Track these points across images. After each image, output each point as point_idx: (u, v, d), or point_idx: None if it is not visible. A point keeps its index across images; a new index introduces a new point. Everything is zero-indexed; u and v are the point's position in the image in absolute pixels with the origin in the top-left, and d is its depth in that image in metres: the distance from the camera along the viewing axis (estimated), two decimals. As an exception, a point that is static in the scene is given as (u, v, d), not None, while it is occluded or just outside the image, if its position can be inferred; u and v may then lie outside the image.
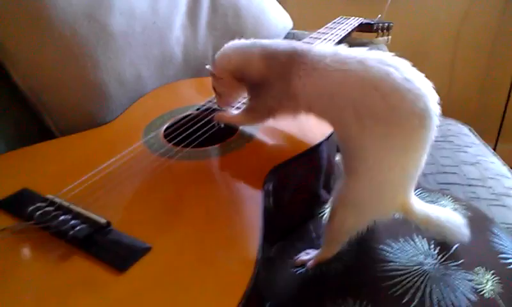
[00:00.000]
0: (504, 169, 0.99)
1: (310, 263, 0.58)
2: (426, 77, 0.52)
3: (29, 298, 0.42)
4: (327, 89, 0.54)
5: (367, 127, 0.51)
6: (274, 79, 0.58)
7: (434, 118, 0.51)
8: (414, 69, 0.52)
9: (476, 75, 1.78)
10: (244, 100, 0.68)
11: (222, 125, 0.69)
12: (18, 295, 0.42)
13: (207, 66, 0.63)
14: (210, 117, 0.71)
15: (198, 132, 0.68)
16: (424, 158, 0.53)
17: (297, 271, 0.60)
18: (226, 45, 0.64)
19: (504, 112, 1.75)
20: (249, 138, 0.66)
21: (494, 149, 1.74)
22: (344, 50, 0.55)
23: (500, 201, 0.85)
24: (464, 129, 1.16)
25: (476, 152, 1.03)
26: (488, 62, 1.75)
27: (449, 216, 0.59)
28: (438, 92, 0.51)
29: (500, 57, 1.73)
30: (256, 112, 0.62)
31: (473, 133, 1.15)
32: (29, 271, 0.44)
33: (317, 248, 0.62)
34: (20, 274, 0.44)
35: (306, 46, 0.58)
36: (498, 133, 1.78)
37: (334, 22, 1.06)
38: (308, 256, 0.60)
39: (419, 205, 0.59)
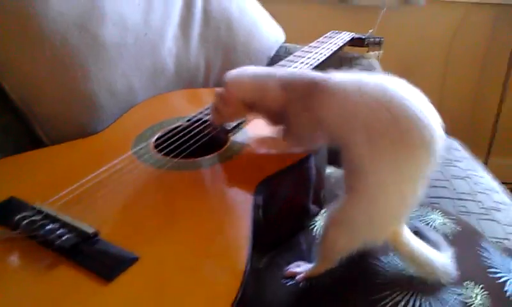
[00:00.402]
0: (494, 183, 1.00)
1: (299, 276, 0.58)
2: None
3: (15, 306, 0.41)
4: (344, 110, 0.54)
5: (377, 148, 0.51)
6: (294, 108, 0.58)
7: (438, 151, 0.52)
8: (426, 99, 0.53)
9: (467, 90, 1.80)
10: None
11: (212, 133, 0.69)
12: (5, 303, 0.41)
13: (217, 90, 0.63)
14: (200, 128, 0.71)
15: (188, 143, 0.68)
16: (422, 189, 0.53)
17: (286, 283, 0.59)
18: (240, 71, 0.64)
19: (495, 126, 1.77)
20: (239, 149, 0.66)
21: (485, 164, 1.76)
22: (363, 75, 0.56)
23: (490, 215, 0.85)
24: (455, 144, 1.17)
25: (466, 166, 1.04)
26: (479, 77, 1.78)
27: (434, 256, 0.58)
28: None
29: (490, 72, 1.75)
30: (295, 140, 0.62)
31: (464, 148, 1.16)
32: (15, 279, 0.44)
33: (307, 260, 0.62)
34: (6, 283, 0.44)
35: (325, 74, 0.58)
36: (489, 148, 1.80)
37: (325, 36, 1.07)
38: (298, 268, 0.59)
39: (408, 237, 0.58)
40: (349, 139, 0.53)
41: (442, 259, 0.58)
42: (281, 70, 0.63)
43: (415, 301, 0.56)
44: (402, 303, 0.55)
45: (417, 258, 0.58)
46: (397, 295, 0.56)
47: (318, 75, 0.59)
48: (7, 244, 0.47)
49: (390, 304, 0.55)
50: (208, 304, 0.41)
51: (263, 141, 0.67)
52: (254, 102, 0.62)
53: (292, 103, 0.58)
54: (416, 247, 0.58)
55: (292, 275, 0.59)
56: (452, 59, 1.73)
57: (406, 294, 0.56)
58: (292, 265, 0.60)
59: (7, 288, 0.43)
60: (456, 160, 1.06)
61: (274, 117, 0.62)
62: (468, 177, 0.99)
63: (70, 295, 0.42)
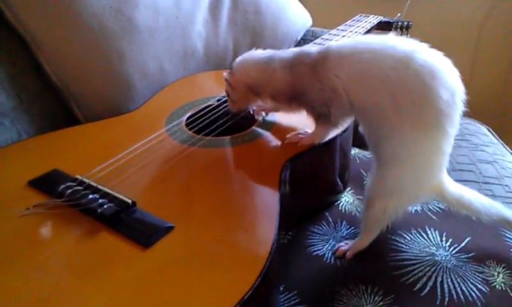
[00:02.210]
0: (522, 168, 0.99)
1: (348, 253, 0.60)
2: None
3: (60, 268, 0.44)
4: (360, 71, 0.54)
5: (403, 107, 0.52)
6: (304, 84, 0.59)
7: (462, 95, 0.53)
8: (439, 53, 0.54)
9: (497, 76, 1.76)
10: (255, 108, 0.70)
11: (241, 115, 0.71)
12: (51, 266, 0.44)
13: (224, 74, 0.65)
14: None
15: (218, 122, 0.70)
16: (451, 141, 0.55)
17: (312, 253, 0.62)
18: (244, 57, 0.65)
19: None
20: (268, 129, 0.68)
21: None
22: (362, 37, 0.57)
23: (516, 199, 0.85)
24: (483, 129, 1.16)
25: (494, 151, 1.03)
26: (509, 62, 1.73)
27: (481, 199, 0.60)
28: None
29: (522, 58, 1.71)
30: (318, 121, 0.61)
31: (492, 133, 1.15)
32: (59, 244, 0.47)
33: (333, 232, 0.64)
34: (52, 246, 0.47)
35: (318, 46, 0.59)
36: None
37: (353, 20, 1.07)
38: (346, 246, 0.61)
39: (452, 186, 0.60)
40: (374, 100, 0.54)
41: (490, 202, 0.60)
42: (281, 52, 0.63)
43: (437, 277, 0.57)
44: (424, 279, 0.57)
45: (466, 204, 0.60)
46: (419, 272, 0.58)
47: (310, 46, 0.61)
48: (52, 211, 0.50)
49: (412, 279, 0.57)
50: (239, 271, 0.43)
51: (293, 135, 0.65)
52: (259, 85, 0.62)
53: (302, 82, 0.59)
54: (464, 193, 0.60)
55: (343, 253, 0.60)
56: (482, 44, 1.69)
57: (428, 271, 0.58)
58: (340, 244, 0.62)
59: (53, 250, 0.46)
60: (483, 145, 1.06)
61: (283, 99, 0.62)
62: (495, 162, 0.98)
63: (110, 259, 0.45)
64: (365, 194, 0.60)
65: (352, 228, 0.67)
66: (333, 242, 0.64)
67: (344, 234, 0.66)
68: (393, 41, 0.53)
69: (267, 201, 0.53)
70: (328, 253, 0.62)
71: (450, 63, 0.53)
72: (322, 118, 0.59)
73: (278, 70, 0.60)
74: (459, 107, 0.53)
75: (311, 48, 0.61)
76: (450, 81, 0.52)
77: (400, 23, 1.15)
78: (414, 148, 0.53)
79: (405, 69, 0.51)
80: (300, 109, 0.62)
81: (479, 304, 0.54)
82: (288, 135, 0.64)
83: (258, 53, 0.64)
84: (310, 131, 0.63)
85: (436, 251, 0.61)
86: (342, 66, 0.56)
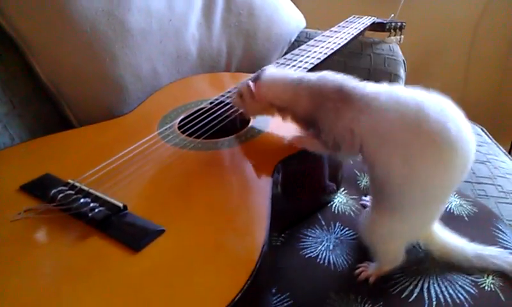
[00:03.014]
0: (515, 168, 1.00)
1: (371, 279, 0.58)
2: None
3: (51, 272, 0.45)
4: (381, 128, 0.53)
5: (413, 174, 0.51)
6: (322, 116, 0.57)
7: (471, 163, 0.53)
8: (465, 120, 0.52)
9: (492, 76, 1.77)
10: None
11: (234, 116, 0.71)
12: (41, 271, 0.45)
13: (250, 82, 0.63)
14: (222, 110, 0.74)
15: (211, 124, 0.71)
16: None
17: (305, 255, 0.62)
18: (274, 74, 0.63)
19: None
20: (260, 131, 0.68)
21: (510, 150, 1.73)
22: (400, 90, 0.54)
23: (509, 198, 0.86)
24: (477, 129, 1.17)
25: (487, 151, 1.04)
26: (505, 62, 1.74)
27: (465, 246, 0.60)
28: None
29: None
30: (320, 143, 0.60)
31: (486, 133, 1.16)
32: (50, 248, 0.48)
33: (325, 234, 0.65)
34: (43, 251, 0.47)
35: (355, 82, 0.57)
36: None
37: (346, 21, 1.08)
38: (368, 271, 0.59)
39: (438, 233, 0.60)
40: (382, 157, 0.53)
41: (472, 247, 0.60)
42: (311, 76, 0.60)
43: (423, 283, 0.57)
44: (411, 287, 0.57)
45: (449, 250, 0.60)
46: (406, 279, 0.58)
47: (347, 80, 0.57)
48: (43, 216, 0.50)
49: (400, 287, 0.57)
50: (229, 274, 0.43)
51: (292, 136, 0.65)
52: (283, 105, 0.62)
53: (324, 111, 0.57)
54: (447, 240, 0.60)
55: (366, 277, 0.59)
56: (477, 44, 1.70)
57: (415, 278, 0.58)
58: (362, 266, 0.60)
59: (43, 255, 0.47)
60: (477, 145, 1.06)
61: (302, 122, 0.62)
62: (488, 161, 0.99)
63: (101, 263, 0.45)
64: (364, 237, 0.59)
65: (346, 228, 0.67)
66: (326, 244, 0.64)
67: (338, 235, 0.66)
68: (428, 108, 0.51)
69: (259, 203, 0.53)
70: (322, 254, 0.62)
71: (472, 135, 0.52)
72: (323, 143, 0.59)
73: (304, 96, 0.59)
74: (467, 172, 0.53)
75: (341, 79, 0.58)
76: (467, 159, 0.52)
77: (393, 24, 1.16)
78: (416, 209, 0.54)
79: (429, 143, 0.50)
80: (303, 127, 0.62)
81: (467, 305, 0.54)
82: (288, 138, 0.65)
83: (286, 72, 0.64)
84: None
85: (425, 255, 0.62)
86: (365, 116, 0.54)
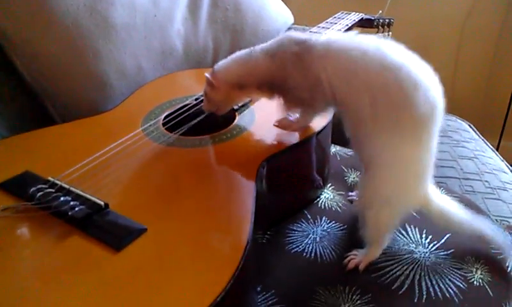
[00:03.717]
0: (502, 164, 1.00)
1: (361, 266, 0.58)
2: None
3: (29, 273, 0.43)
4: (346, 68, 0.54)
5: (381, 113, 0.52)
6: (287, 71, 0.58)
7: (442, 108, 0.53)
8: (427, 66, 0.53)
9: (481, 72, 1.78)
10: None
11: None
12: (20, 271, 0.44)
13: (206, 74, 0.64)
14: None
15: (195, 121, 0.70)
16: (435, 147, 0.55)
17: (291, 250, 0.61)
18: (224, 60, 0.64)
19: (508, 109, 1.75)
20: (245, 128, 0.67)
21: (498, 146, 1.75)
22: (359, 36, 0.56)
23: (496, 194, 0.86)
24: (464, 125, 1.17)
25: (474, 147, 1.04)
26: (493, 58, 1.75)
27: (465, 214, 0.60)
28: (441, 88, 0.53)
29: (504, 54, 1.72)
30: (300, 108, 0.62)
31: (473, 129, 1.16)
32: (29, 248, 0.46)
33: (311, 229, 0.65)
34: (21, 251, 0.46)
35: (311, 33, 0.59)
36: (502, 130, 1.78)
37: (334, 17, 1.07)
38: (357, 258, 0.59)
39: (437, 198, 0.60)
40: (352, 98, 0.54)
41: (470, 217, 0.60)
42: (262, 44, 0.62)
43: (414, 275, 0.57)
44: (402, 278, 0.57)
45: (448, 218, 0.59)
46: (397, 270, 0.58)
47: (304, 35, 0.59)
48: (22, 215, 0.49)
49: (390, 279, 0.57)
50: (211, 273, 0.43)
51: (274, 122, 0.66)
52: (242, 79, 0.62)
53: (284, 68, 0.58)
54: (446, 207, 0.60)
55: (355, 266, 0.58)
56: (466, 40, 1.71)
57: (406, 269, 0.58)
58: (351, 254, 0.60)
59: (22, 255, 0.45)
60: (464, 141, 1.07)
61: (266, 89, 0.62)
62: (475, 157, 0.99)
63: (81, 263, 0.44)
64: (358, 208, 0.60)
65: (333, 221, 0.67)
66: (313, 236, 0.64)
67: (324, 228, 0.66)
68: (387, 49, 0.53)
69: (242, 201, 0.52)
70: (308, 247, 0.62)
71: (436, 79, 0.53)
72: (306, 105, 0.60)
73: (260, 59, 0.60)
74: (438, 121, 0.53)
75: (297, 34, 0.60)
76: (432, 95, 0.52)
77: (381, 21, 1.15)
78: (392, 155, 0.53)
79: (390, 77, 0.51)
80: (283, 98, 0.62)
81: (456, 300, 0.54)
82: (276, 121, 0.65)
83: (237, 52, 0.64)
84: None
85: (416, 248, 0.61)
86: (329, 59, 0.55)
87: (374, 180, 0.55)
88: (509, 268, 0.60)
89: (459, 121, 1.19)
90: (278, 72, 0.59)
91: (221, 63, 0.64)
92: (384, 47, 0.53)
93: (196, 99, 0.75)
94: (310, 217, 0.67)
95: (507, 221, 0.77)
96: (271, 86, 0.61)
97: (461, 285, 0.56)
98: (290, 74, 0.58)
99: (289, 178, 0.66)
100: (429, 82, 0.52)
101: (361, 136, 0.55)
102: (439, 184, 0.80)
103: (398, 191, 0.55)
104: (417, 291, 0.55)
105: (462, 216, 0.59)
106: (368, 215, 0.56)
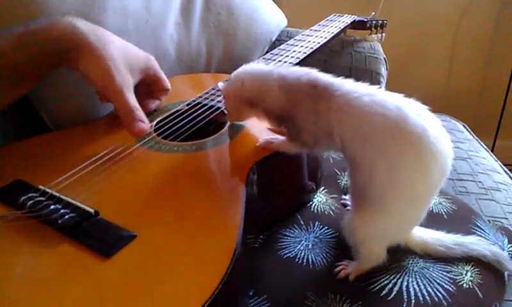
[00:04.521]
0: (496, 164, 1.00)
1: (351, 277, 0.58)
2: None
3: (20, 281, 0.44)
4: (363, 129, 0.52)
5: (395, 177, 0.52)
6: (298, 111, 0.56)
7: (449, 169, 0.53)
8: (440, 125, 0.53)
9: (475, 72, 1.79)
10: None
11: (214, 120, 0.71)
12: (11, 279, 0.44)
13: (219, 84, 0.63)
14: (199, 112, 0.73)
15: (187, 127, 0.70)
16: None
17: (283, 255, 0.61)
18: (242, 68, 0.62)
19: (503, 109, 1.76)
20: (236, 134, 0.67)
21: (493, 146, 1.75)
22: (382, 93, 0.54)
23: (489, 195, 0.86)
24: (458, 125, 1.18)
25: (468, 148, 1.05)
26: (487, 58, 1.76)
27: (443, 237, 0.61)
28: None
29: (499, 54, 1.73)
30: (297, 144, 0.59)
31: (467, 130, 1.16)
32: (20, 256, 0.47)
33: (304, 234, 0.65)
34: (13, 259, 0.46)
35: (331, 78, 0.56)
36: (497, 130, 1.79)
37: (327, 20, 1.08)
38: (348, 268, 0.59)
39: (417, 232, 0.61)
40: (365, 159, 0.53)
41: (450, 237, 0.61)
42: (282, 68, 0.59)
43: (402, 282, 0.57)
44: (390, 285, 0.57)
45: (429, 244, 0.61)
46: (386, 278, 0.58)
47: (325, 78, 0.56)
48: (13, 223, 0.49)
49: (378, 286, 0.57)
50: (200, 279, 0.43)
51: (264, 139, 0.64)
52: (253, 98, 0.60)
53: (297, 107, 0.56)
54: (425, 235, 0.61)
55: (346, 275, 0.58)
56: (460, 41, 1.71)
57: (394, 277, 0.58)
58: (341, 264, 0.60)
59: (13, 263, 0.46)
60: (458, 142, 1.07)
61: (275, 119, 0.60)
62: (469, 158, 0.99)
63: (71, 270, 0.44)
64: (346, 237, 0.59)
65: (326, 227, 0.67)
66: (305, 243, 0.64)
67: (317, 234, 0.66)
68: (408, 114, 0.51)
69: (232, 206, 0.53)
70: (300, 253, 0.62)
71: (450, 144, 0.53)
72: (307, 147, 0.59)
73: (274, 88, 0.57)
74: (446, 177, 0.54)
75: (317, 76, 0.56)
76: (446, 164, 0.52)
77: (374, 22, 1.16)
78: (395, 207, 0.54)
79: (409, 146, 0.51)
80: (288, 132, 0.60)
81: (445, 303, 0.54)
82: (260, 141, 0.63)
83: (257, 66, 0.62)
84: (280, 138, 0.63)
85: (403, 254, 0.62)
86: (347, 116, 0.53)
87: (372, 222, 0.55)
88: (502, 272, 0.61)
89: (453, 121, 1.20)
90: (289, 109, 0.57)
91: (237, 73, 0.62)
92: (405, 112, 0.51)
93: (187, 104, 0.76)
94: (302, 222, 0.68)
95: (500, 222, 0.77)
96: (280, 118, 0.59)
97: (450, 288, 0.56)
98: (301, 116, 0.56)
99: (281, 182, 0.66)
100: (445, 151, 0.52)
101: (368, 190, 0.54)
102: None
103: (393, 232, 0.58)
104: (405, 297, 0.55)
105: (447, 243, 0.60)
106: (360, 248, 0.57)
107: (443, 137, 0.52)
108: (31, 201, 0.51)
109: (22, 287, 0.43)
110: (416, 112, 0.51)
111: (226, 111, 0.65)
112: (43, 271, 0.45)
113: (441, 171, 0.53)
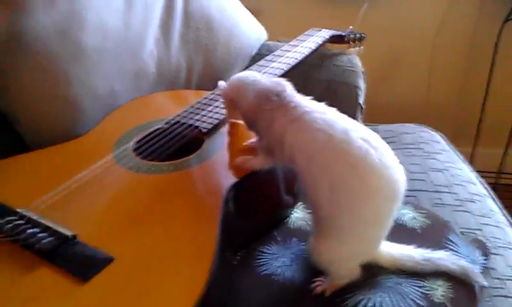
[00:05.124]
0: (472, 175, 1.02)
1: (327, 293, 0.59)
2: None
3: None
4: (309, 145, 0.54)
5: (338, 198, 0.53)
6: (261, 117, 0.59)
7: (403, 191, 0.54)
8: (392, 153, 0.54)
9: (453, 82, 1.82)
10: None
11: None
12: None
13: (220, 82, 0.67)
14: (177, 131, 0.74)
15: (165, 146, 0.71)
16: (391, 222, 0.57)
17: (260, 272, 0.62)
18: (242, 73, 0.67)
19: (481, 117, 1.79)
20: (213, 153, 0.69)
21: (471, 154, 1.79)
22: (333, 113, 0.56)
23: (464, 207, 0.88)
24: (436, 136, 1.19)
25: (445, 159, 1.06)
26: (465, 69, 1.79)
27: (412, 253, 0.62)
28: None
29: (477, 63, 1.77)
30: (263, 153, 0.62)
31: (445, 140, 1.18)
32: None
33: (281, 251, 0.66)
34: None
35: (295, 93, 0.59)
36: (476, 138, 1.82)
37: (305, 34, 1.09)
38: (323, 285, 0.60)
39: (385, 248, 0.62)
40: (312, 177, 0.55)
41: (419, 252, 0.62)
42: (264, 77, 0.64)
43: (376, 298, 0.58)
44: (364, 301, 0.58)
45: (399, 260, 0.61)
46: (360, 293, 0.59)
47: (289, 91, 0.59)
48: (-9, 248, 0.50)
49: (353, 302, 0.58)
50: (177, 299, 0.44)
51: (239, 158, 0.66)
52: (234, 104, 0.64)
53: (262, 113, 0.59)
54: (394, 251, 0.62)
55: (322, 291, 0.59)
56: (438, 52, 1.74)
57: (368, 292, 0.59)
58: (318, 280, 0.61)
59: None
60: (435, 153, 1.08)
61: (247, 122, 0.64)
62: (445, 169, 1.01)
63: (48, 294, 0.45)
64: (312, 261, 0.60)
65: (303, 243, 0.68)
66: (282, 259, 0.65)
67: (294, 250, 0.67)
68: (354, 134, 0.53)
69: (209, 225, 0.54)
70: (277, 270, 0.63)
71: (399, 164, 0.54)
72: (266, 151, 0.61)
73: (249, 93, 0.61)
74: (399, 201, 0.55)
75: (286, 86, 0.60)
76: (394, 183, 0.53)
77: (352, 36, 1.18)
78: (350, 231, 0.55)
79: (352, 171, 0.52)
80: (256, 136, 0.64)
81: (417, 318, 0.56)
82: (237, 160, 0.65)
83: (251, 73, 0.66)
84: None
85: (378, 270, 0.63)
86: (297, 129, 0.56)
87: (329, 247, 0.56)
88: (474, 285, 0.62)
89: (431, 132, 1.21)
90: (254, 110, 0.60)
91: (233, 77, 0.66)
92: (351, 134, 0.53)
93: (166, 123, 0.76)
94: (279, 238, 0.69)
95: (473, 233, 0.79)
96: (250, 120, 0.62)
97: (422, 303, 0.58)
98: (261, 119, 0.59)
99: (257, 199, 0.67)
100: (392, 175, 0.53)
101: (317, 212, 0.56)
102: (409, 198, 0.82)
103: (355, 254, 0.58)
104: (380, 312, 0.57)
105: (416, 259, 0.61)
106: (329, 269, 0.58)
107: (392, 163, 0.53)
108: (9, 225, 0.52)
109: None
110: (363, 136, 0.53)
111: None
112: (20, 294, 0.45)
113: (390, 196, 0.54)
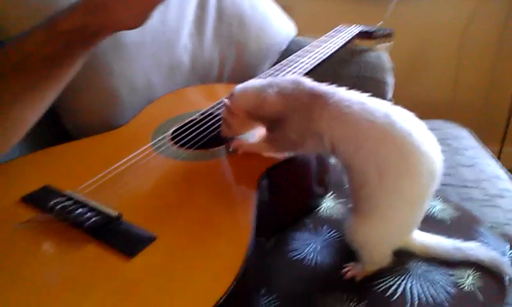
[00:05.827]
0: (500, 171, 1.02)
1: (357, 279, 0.61)
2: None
3: (50, 279, 0.48)
4: (354, 136, 0.56)
5: (385, 180, 0.55)
6: (293, 115, 0.60)
7: (440, 174, 0.56)
8: (429, 133, 0.56)
9: (481, 79, 1.80)
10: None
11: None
12: (41, 278, 0.48)
13: (225, 100, 0.66)
14: (212, 121, 0.77)
15: (201, 135, 0.74)
16: (427, 204, 0.59)
17: (293, 257, 0.65)
18: (245, 83, 0.66)
19: (510, 115, 1.77)
20: (248, 140, 0.71)
21: (499, 153, 1.76)
22: (371, 101, 0.58)
23: (493, 202, 0.88)
24: (464, 132, 1.19)
25: (473, 155, 1.06)
26: (493, 66, 1.77)
27: (443, 241, 0.64)
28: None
29: (505, 61, 1.74)
30: (278, 143, 0.64)
31: (473, 136, 1.18)
32: (49, 256, 0.51)
33: (313, 237, 0.68)
34: (42, 259, 0.50)
35: (326, 88, 0.60)
36: (504, 136, 1.80)
37: (334, 30, 1.10)
38: (354, 270, 0.62)
39: (417, 236, 0.64)
40: (358, 163, 0.57)
41: (450, 242, 0.64)
42: (282, 79, 0.65)
43: (406, 283, 0.60)
44: (394, 286, 0.60)
45: (429, 248, 0.63)
46: (391, 279, 0.61)
47: (320, 87, 0.61)
48: (43, 226, 0.54)
49: (384, 286, 0.60)
50: (214, 277, 0.47)
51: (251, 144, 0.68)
52: (258, 112, 0.64)
53: (292, 112, 0.61)
54: (425, 239, 0.64)
55: (353, 276, 0.61)
56: (465, 49, 1.73)
57: (399, 279, 0.61)
58: (348, 266, 0.62)
59: (43, 263, 0.50)
60: (463, 149, 1.09)
61: (268, 122, 0.64)
62: (474, 165, 1.01)
63: (97, 269, 0.48)
64: (348, 241, 0.62)
65: (334, 230, 0.70)
66: (314, 245, 0.67)
67: (325, 237, 0.69)
68: (395, 119, 0.55)
69: (244, 211, 0.56)
70: (309, 255, 0.65)
71: (438, 147, 0.56)
72: (287, 144, 0.63)
73: (272, 95, 0.62)
74: (436, 185, 0.57)
75: (310, 85, 0.61)
76: (433, 165, 0.55)
77: (381, 32, 1.19)
78: (390, 211, 0.57)
79: (396, 150, 0.54)
80: (274, 133, 0.64)
81: (447, 305, 0.57)
82: (235, 143, 0.68)
83: (257, 80, 0.67)
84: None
85: (408, 257, 0.64)
86: (339, 124, 0.57)
87: (369, 227, 0.58)
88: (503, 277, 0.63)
89: (458, 128, 1.21)
90: (285, 113, 0.61)
91: (239, 88, 0.66)
92: (392, 118, 0.55)
93: (201, 114, 0.80)
94: (311, 226, 0.71)
95: (502, 228, 0.80)
96: (273, 122, 0.63)
97: (452, 290, 0.59)
98: (293, 118, 0.60)
99: (290, 187, 0.70)
100: (431, 153, 0.55)
101: (362, 193, 0.58)
102: (437, 193, 0.83)
103: (391, 238, 0.60)
104: (409, 298, 0.58)
105: (446, 248, 0.63)
106: (362, 252, 0.60)
107: (430, 140, 0.56)
108: (59, 206, 0.55)
109: (52, 284, 0.47)
110: (402, 117, 0.56)
111: (225, 124, 0.67)
112: (70, 269, 0.49)
113: (429, 173, 0.55)
